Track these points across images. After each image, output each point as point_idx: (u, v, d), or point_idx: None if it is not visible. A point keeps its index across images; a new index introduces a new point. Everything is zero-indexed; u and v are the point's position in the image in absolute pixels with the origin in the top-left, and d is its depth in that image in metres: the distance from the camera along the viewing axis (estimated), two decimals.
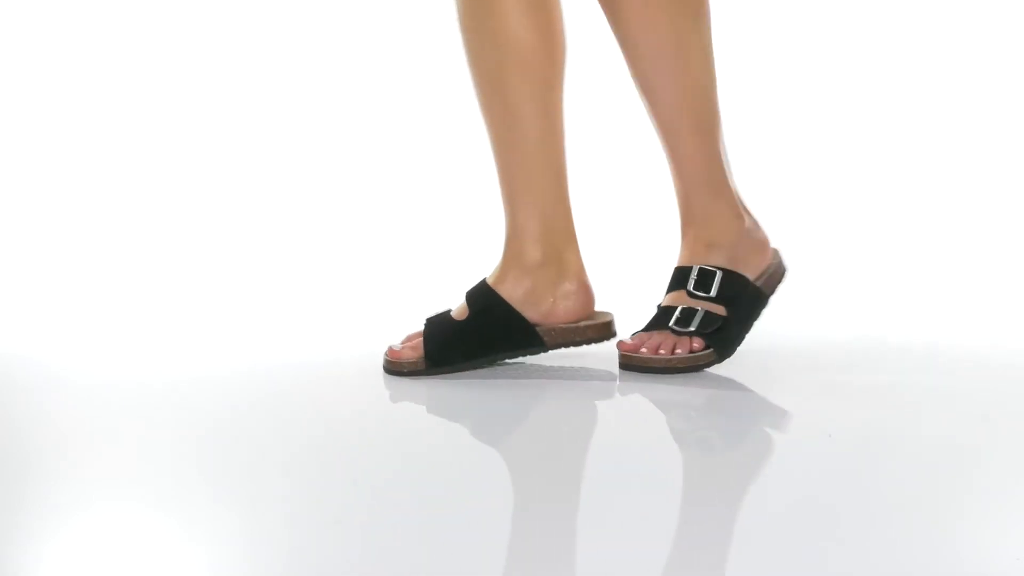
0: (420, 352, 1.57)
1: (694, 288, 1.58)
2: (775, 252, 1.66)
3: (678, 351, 1.55)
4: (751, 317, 1.60)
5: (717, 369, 1.57)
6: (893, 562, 1.00)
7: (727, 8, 1.66)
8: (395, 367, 1.57)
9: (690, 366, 1.55)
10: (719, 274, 1.58)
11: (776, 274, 1.64)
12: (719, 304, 1.57)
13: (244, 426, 1.40)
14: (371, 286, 2.24)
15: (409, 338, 1.60)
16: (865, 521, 1.09)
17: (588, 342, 1.60)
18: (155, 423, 1.41)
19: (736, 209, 1.62)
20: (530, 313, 1.57)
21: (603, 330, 1.60)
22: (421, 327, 1.60)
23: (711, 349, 1.56)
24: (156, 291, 2.20)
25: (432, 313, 1.61)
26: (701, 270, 1.59)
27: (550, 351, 1.60)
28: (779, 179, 2.67)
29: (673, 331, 1.56)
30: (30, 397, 1.55)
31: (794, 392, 1.52)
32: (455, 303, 1.62)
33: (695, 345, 1.55)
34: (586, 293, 1.61)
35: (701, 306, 1.57)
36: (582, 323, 1.59)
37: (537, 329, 1.58)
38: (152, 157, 2.82)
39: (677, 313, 1.57)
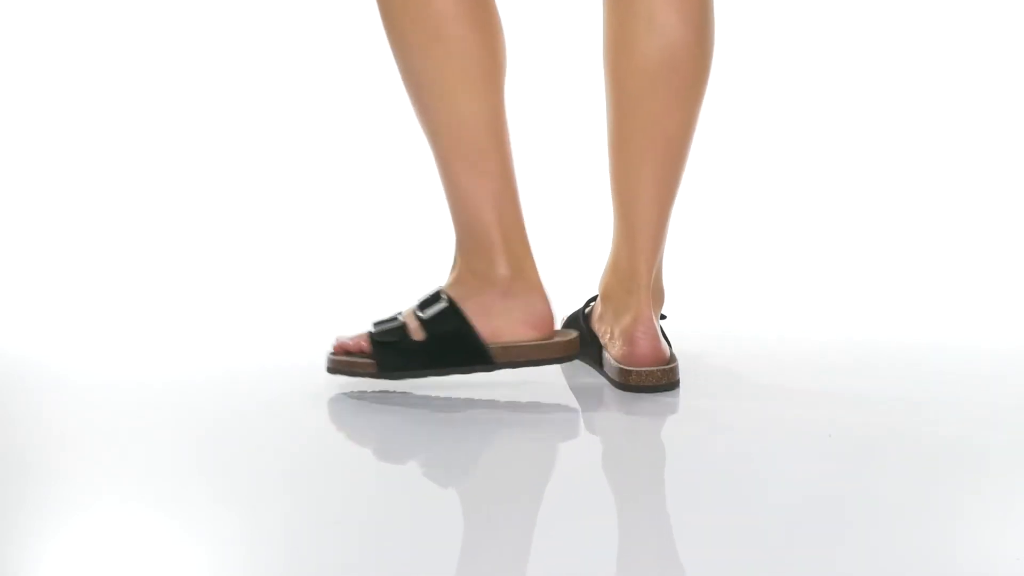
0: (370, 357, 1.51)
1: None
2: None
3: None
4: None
5: (715, 369, 1.57)
6: (893, 562, 1.00)
7: (729, 8, 1.66)
8: (345, 367, 1.52)
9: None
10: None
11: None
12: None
13: (244, 426, 1.40)
14: (372, 285, 2.24)
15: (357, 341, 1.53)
16: (865, 521, 1.09)
17: (548, 362, 1.50)
18: (155, 423, 1.41)
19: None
20: (485, 329, 1.48)
21: (566, 348, 1.50)
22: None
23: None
24: (155, 291, 2.20)
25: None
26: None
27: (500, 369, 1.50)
28: (779, 180, 2.67)
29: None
30: (30, 397, 1.55)
31: (794, 393, 1.52)
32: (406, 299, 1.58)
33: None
34: (548, 310, 1.51)
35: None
36: (541, 342, 1.49)
37: (489, 347, 1.48)
38: (152, 159, 2.82)
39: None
